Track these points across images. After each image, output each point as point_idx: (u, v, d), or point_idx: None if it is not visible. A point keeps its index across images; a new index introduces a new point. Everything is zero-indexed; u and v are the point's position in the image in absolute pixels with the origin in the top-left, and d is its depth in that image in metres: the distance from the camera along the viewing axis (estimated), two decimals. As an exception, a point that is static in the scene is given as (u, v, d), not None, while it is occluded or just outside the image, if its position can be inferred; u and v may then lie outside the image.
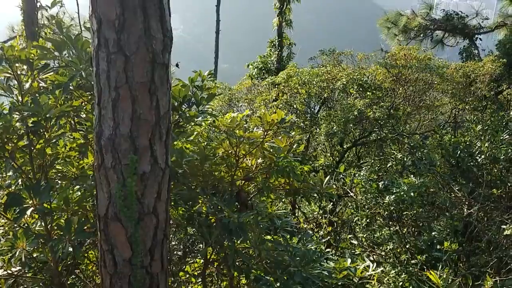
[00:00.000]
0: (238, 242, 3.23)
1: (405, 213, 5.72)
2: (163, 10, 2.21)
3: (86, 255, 3.62)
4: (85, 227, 2.77)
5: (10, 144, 2.66)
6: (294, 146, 3.20)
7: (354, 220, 6.16)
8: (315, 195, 3.67)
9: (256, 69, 16.44)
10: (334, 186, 3.44)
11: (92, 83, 2.94)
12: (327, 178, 3.32)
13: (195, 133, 3.53)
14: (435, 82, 9.47)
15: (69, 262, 3.42)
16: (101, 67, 2.27)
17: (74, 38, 2.77)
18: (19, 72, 2.70)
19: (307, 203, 10.04)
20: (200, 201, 3.63)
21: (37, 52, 2.86)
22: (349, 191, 6.70)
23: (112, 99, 2.29)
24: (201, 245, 3.92)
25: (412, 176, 5.83)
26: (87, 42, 2.84)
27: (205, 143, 3.65)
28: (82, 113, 3.12)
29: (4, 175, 2.85)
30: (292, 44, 17.66)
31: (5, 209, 2.73)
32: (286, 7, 17.37)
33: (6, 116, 2.54)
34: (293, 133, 3.25)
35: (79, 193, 3.26)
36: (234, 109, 11.36)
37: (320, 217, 8.67)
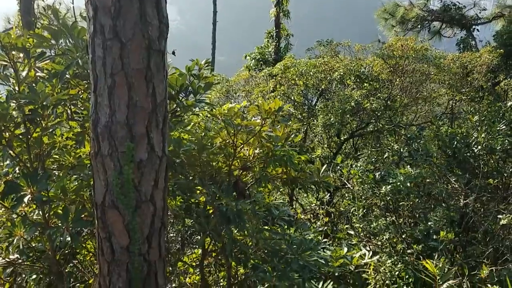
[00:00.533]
0: (236, 231, 3.24)
1: (401, 203, 5.75)
2: (159, -5, 2.20)
3: (84, 245, 3.63)
4: (83, 216, 2.78)
5: (7, 132, 2.66)
6: (292, 136, 3.21)
7: (351, 211, 6.18)
8: (313, 186, 3.68)
9: (253, 60, 16.33)
10: (332, 176, 3.45)
11: (88, 71, 2.94)
12: (324, 167, 3.33)
13: (193, 123, 3.53)
14: (432, 73, 9.46)
15: (67, 251, 3.43)
16: (97, 54, 2.26)
17: (71, 26, 2.76)
18: (15, 60, 2.68)
19: (304, 195, 10.07)
20: (198, 191, 3.64)
21: (34, 40, 2.84)
22: (346, 182, 6.72)
23: (108, 86, 2.28)
24: (199, 236, 3.93)
25: (408, 167, 5.85)
26: (83, 30, 2.83)
27: (203, 133, 3.65)
28: (78, 102, 3.11)
29: (1, 163, 2.84)
30: (289, 35, 17.49)
31: (3, 198, 2.73)
32: (284, -3, 17.22)
33: (3, 104, 2.53)
34: (290, 123, 3.25)
35: (76, 183, 3.26)
36: (232, 100, 11.34)
37: (318, 208, 8.70)
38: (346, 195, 6.79)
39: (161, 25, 2.24)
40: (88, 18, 2.26)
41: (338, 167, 6.81)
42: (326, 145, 9.42)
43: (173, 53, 2.61)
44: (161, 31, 2.25)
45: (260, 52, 16.53)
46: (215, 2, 19.67)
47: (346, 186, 6.99)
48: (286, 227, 3.61)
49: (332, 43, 10.76)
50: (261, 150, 3.45)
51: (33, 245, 3.20)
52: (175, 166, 3.42)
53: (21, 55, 2.73)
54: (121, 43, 2.20)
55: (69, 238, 2.61)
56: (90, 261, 3.97)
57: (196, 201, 3.67)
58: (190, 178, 3.63)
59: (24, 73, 2.70)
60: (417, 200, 5.78)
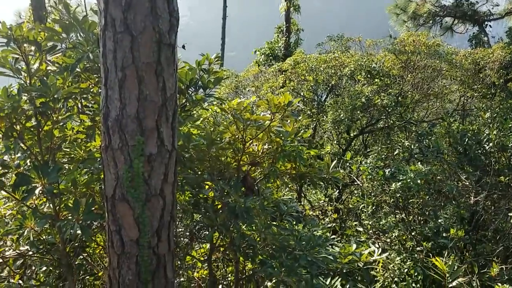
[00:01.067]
0: (244, 226, 3.24)
1: (411, 200, 5.71)
2: (169, -11, 2.20)
3: (93, 238, 3.66)
4: (93, 209, 2.79)
5: (18, 125, 2.68)
6: (301, 132, 3.19)
7: (360, 208, 6.15)
8: (321, 182, 3.66)
9: (263, 56, 16.20)
10: (341, 172, 3.43)
11: (99, 65, 2.95)
12: (333, 163, 3.30)
13: (202, 117, 3.53)
14: (444, 69, 9.35)
15: (76, 244, 3.46)
16: (107, 47, 2.26)
17: (81, 19, 2.76)
18: (27, 54, 2.69)
19: (313, 191, 10.05)
20: (206, 186, 3.65)
21: (45, 34, 2.86)
22: (355, 179, 6.69)
23: (119, 79, 2.29)
24: (206, 231, 3.93)
25: (419, 163, 5.80)
26: (94, 23, 2.83)
27: (212, 128, 3.64)
28: (89, 95, 3.12)
29: (13, 156, 2.86)
30: (300, 30, 17.30)
31: (14, 189, 2.75)
32: (294, -8, 17.06)
33: (15, 97, 2.55)
34: (300, 118, 3.23)
35: (87, 176, 3.28)
36: (241, 96, 11.32)
37: (326, 205, 8.68)
38: (355, 192, 6.75)
39: (172, 19, 2.23)
40: (99, 11, 2.26)
41: (348, 164, 6.77)
42: (335, 142, 9.37)
43: (183, 47, 2.61)
44: (172, 24, 2.25)
45: (270, 47, 16.38)
46: (224, -4, 19.61)
47: (355, 183, 6.96)
48: (294, 223, 3.60)
49: (343, 38, 10.66)
50: (269, 146, 3.44)
51: (43, 237, 3.23)
52: (184, 160, 3.43)
53: (33, 48, 2.74)
54: (132, 36, 2.20)
55: (79, 231, 2.63)
56: (99, 254, 4.01)
57: (205, 196, 3.68)
58: (199, 173, 3.63)
59: (35, 66, 2.71)
60: (427, 197, 5.74)
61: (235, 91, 11.45)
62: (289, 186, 6.99)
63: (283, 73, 9.86)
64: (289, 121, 3.15)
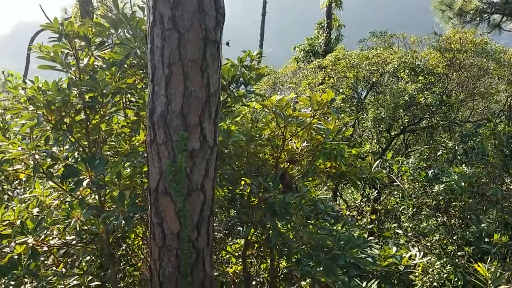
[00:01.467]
0: (281, 224, 3.23)
1: (453, 203, 5.52)
2: (216, -14, 2.21)
3: (133, 229, 3.75)
4: (137, 201, 2.87)
5: (67, 118, 2.78)
6: (343, 129, 3.14)
7: (400, 210, 6.00)
8: (359, 181, 3.59)
9: (302, 52, 16.05)
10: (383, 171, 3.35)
11: (145, 61, 3.02)
12: (376, 163, 3.24)
13: (241, 113, 3.54)
14: (491, 68, 8.95)
15: (119, 235, 3.57)
16: (155, 44, 2.31)
17: (129, 16, 2.83)
18: (77, 49, 2.79)
19: (349, 190, 9.90)
20: (242, 182, 3.67)
21: (93, 29, 2.94)
22: (395, 179, 6.53)
23: (166, 76, 2.33)
24: (240, 228, 3.95)
25: (463, 165, 5.59)
26: (142, 20, 2.90)
27: (250, 124, 3.65)
28: (134, 91, 3.20)
29: (61, 148, 2.97)
30: (341, 26, 17.01)
31: (62, 180, 2.86)
32: (336, -13, 16.81)
33: (65, 91, 2.65)
34: (342, 115, 3.18)
35: (129, 169, 3.37)
36: (278, 92, 11.28)
37: (364, 205, 8.53)
38: (395, 193, 6.59)
39: (218, 15, 2.25)
40: (147, 7, 2.31)
41: (388, 164, 6.62)
42: (375, 140, 9.17)
43: (227, 43, 2.62)
44: (218, 21, 2.27)
45: (310, 44, 16.17)
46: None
47: (395, 184, 6.80)
48: (332, 222, 3.56)
49: (386, 35, 10.38)
50: (308, 143, 3.41)
51: (87, 227, 3.35)
52: (223, 156, 3.46)
53: (82, 43, 2.83)
54: (179, 33, 2.23)
55: (123, 222, 2.70)
56: (137, 245, 4.11)
57: (241, 192, 3.70)
58: (236, 169, 3.66)
59: (85, 61, 2.81)
60: (470, 200, 5.53)
61: (272, 87, 11.43)
62: (328, 185, 6.91)
63: (323, 69, 9.74)
64: (330, 118, 3.10)
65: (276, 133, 3.23)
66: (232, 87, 3.20)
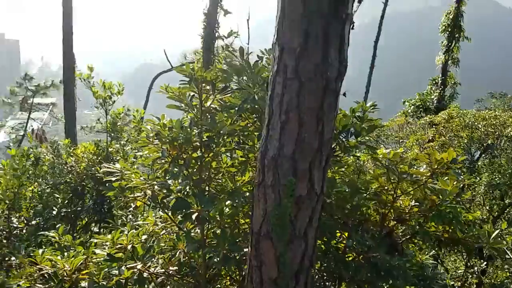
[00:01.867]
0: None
1: None
2: (343, 39, 2.26)
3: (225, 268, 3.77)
4: (238, 240, 2.91)
5: (185, 154, 2.98)
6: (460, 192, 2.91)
7: (510, 285, 5.30)
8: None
9: (412, 107, 15.72)
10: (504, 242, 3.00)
11: (260, 107, 3.15)
12: (496, 232, 2.92)
13: (347, 164, 3.47)
14: None
15: (214, 272, 3.62)
16: (276, 91, 2.40)
17: (253, 64, 3.01)
18: (202, 92, 3.02)
19: (452, 258, 9.03)
20: (338, 234, 3.53)
21: (217, 75, 3.17)
22: (507, 252, 5.82)
23: (282, 121, 2.39)
24: (328, 283, 3.76)
25: None
26: (263, 68, 3.06)
27: (354, 175, 3.55)
28: (246, 133, 3.33)
29: (175, 181, 3.16)
30: (456, 84, 16.44)
31: (173, 212, 3.03)
32: (455, 45, 16.36)
33: (187, 129, 2.85)
34: (463, 177, 2.95)
35: (229, 208, 3.44)
36: (381, 145, 10.94)
37: (470, 276, 7.68)
38: (506, 266, 5.85)
39: (341, 67, 2.28)
40: (273, 57, 2.43)
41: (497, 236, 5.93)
42: (487, 207, 8.35)
43: (344, 94, 2.63)
44: (340, 72, 2.30)
45: (422, 99, 15.79)
46: (375, 47, 19.53)
47: (507, 257, 6.05)
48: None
49: (506, 96, 9.67)
50: (417, 203, 3.20)
51: (188, 260, 3.45)
52: (324, 206, 3.39)
53: (207, 87, 3.06)
54: (300, 82, 2.29)
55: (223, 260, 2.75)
56: (225, 285, 4.11)
57: (336, 245, 3.56)
58: (336, 220, 3.54)
59: (208, 103, 3.02)
60: None
61: (376, 140, 11.13)
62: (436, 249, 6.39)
63: (434, 126, 9.29)
64: (447, 179, 2.89)
65: (386, 188, 3.10)
66: (342, 136, 3.17)
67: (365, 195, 3.33)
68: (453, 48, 16.33)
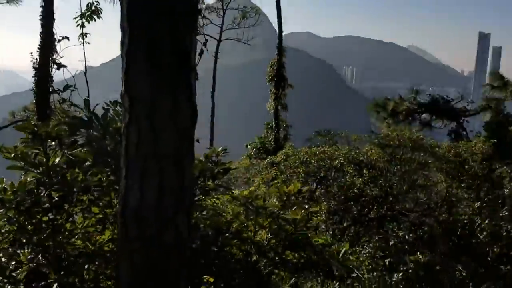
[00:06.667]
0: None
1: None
2: (191, 89, 2.41)
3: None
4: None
5: (34, 219, 2.69)
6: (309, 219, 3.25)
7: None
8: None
9: (254, 149, 17.11)
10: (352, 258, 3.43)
11: (109, 160, 3.07)
12: (343, 251, 3.33)
13: (209, 207, 3.58)
14: (429, 161, 9.74)
15: None
16: (130, 141, 2.40)
17: (101, 116, 2.94)
18: (48, 148, 2.81)
19: (308, 285, 9.71)
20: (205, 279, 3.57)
21: (62, 129, 3.00)
22: (354, 270, 6.58)
23: (141, 171, 2.39)
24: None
25: (418, 253, 5.82)
26: (113, 120, 3.01)
27: (215, 216, 3.67)
28: (101, 188, 3.19)
29: (25, 251, 2.81)
30: (288, 126, 18.59)
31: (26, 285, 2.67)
32: (282, 92, 18.60)
33: (33, 191, 2.61)
34: (310, 205, 3.32)
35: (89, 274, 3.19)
36: (233, 187, 11.41)
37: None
38: (355, 283, 6.58)
39: (193, 114, 2.41)
40: (124, 108, 2.43)
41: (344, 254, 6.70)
42: (330, 231, 9.35)
43: (197, 140, 2.77)
44: (192, 121, 2.42)
45: (261, 142, 17.37)
46: (213, 97, 20.77)
47: (355, 275, 6.81)
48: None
49: (330, 133, 11.24)
50: (272, 235, 3.45)
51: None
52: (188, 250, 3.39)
53: (53, 143, 2.86)
54: (155, 131, 2.35)
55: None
56: None
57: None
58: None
59: (57, 160, 2.81)
60: (428, 288, 5.66)
61: (226, 182, 11.56)
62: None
63: (275, 165, 10.16)
64: (295, 208, 3.22)
65: (245, 224, 3.28)
66: (200, 181, 3.29)
67: (227, 235, 3.45)
68: (280, 95, 18.68)
